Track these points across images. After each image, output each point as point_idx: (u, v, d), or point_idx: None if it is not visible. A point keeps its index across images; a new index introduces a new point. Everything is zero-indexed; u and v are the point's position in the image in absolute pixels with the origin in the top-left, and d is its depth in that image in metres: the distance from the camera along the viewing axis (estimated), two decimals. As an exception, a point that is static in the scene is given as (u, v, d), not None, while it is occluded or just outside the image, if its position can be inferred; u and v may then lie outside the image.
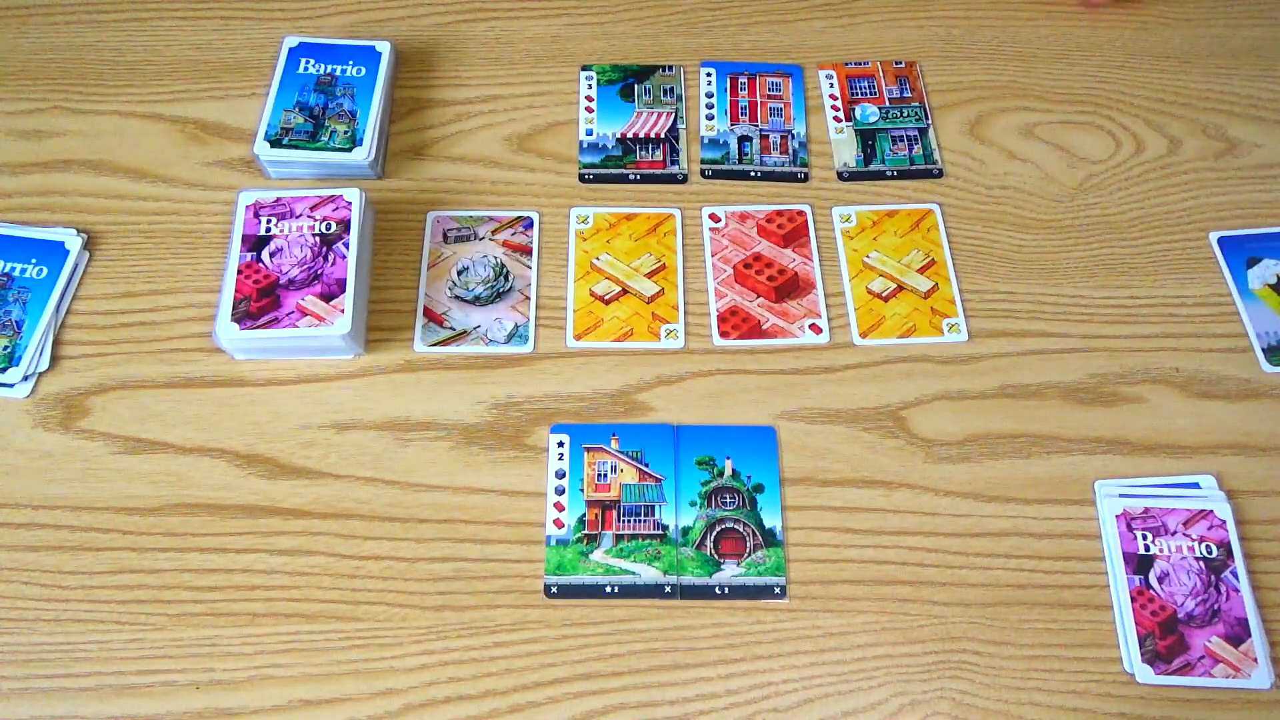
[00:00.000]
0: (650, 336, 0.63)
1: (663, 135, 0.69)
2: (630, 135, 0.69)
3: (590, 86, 0.73)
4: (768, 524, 0.57)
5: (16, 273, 0.64)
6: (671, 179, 0.69)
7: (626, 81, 0.72)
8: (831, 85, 0.74)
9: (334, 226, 0.63)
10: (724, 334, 0.64)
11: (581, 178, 0.69)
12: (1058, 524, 0.57)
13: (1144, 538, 0.56)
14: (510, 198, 0.69)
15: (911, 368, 0.62)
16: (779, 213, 0.68)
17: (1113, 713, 0.52)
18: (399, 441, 0.60)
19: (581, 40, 0.76)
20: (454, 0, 0.77)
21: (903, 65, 0.75)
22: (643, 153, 0.68)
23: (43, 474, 0.58)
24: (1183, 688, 0.53)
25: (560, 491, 0.58)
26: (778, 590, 0.55)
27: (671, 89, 0.71)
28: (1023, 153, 0.71)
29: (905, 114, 0.73)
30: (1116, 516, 0.57)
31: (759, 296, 0.65)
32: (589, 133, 0.71)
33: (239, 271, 0.61)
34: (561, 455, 0.59)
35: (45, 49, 0.74)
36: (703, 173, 0.70)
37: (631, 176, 0.69)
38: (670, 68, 0.73)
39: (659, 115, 0.69)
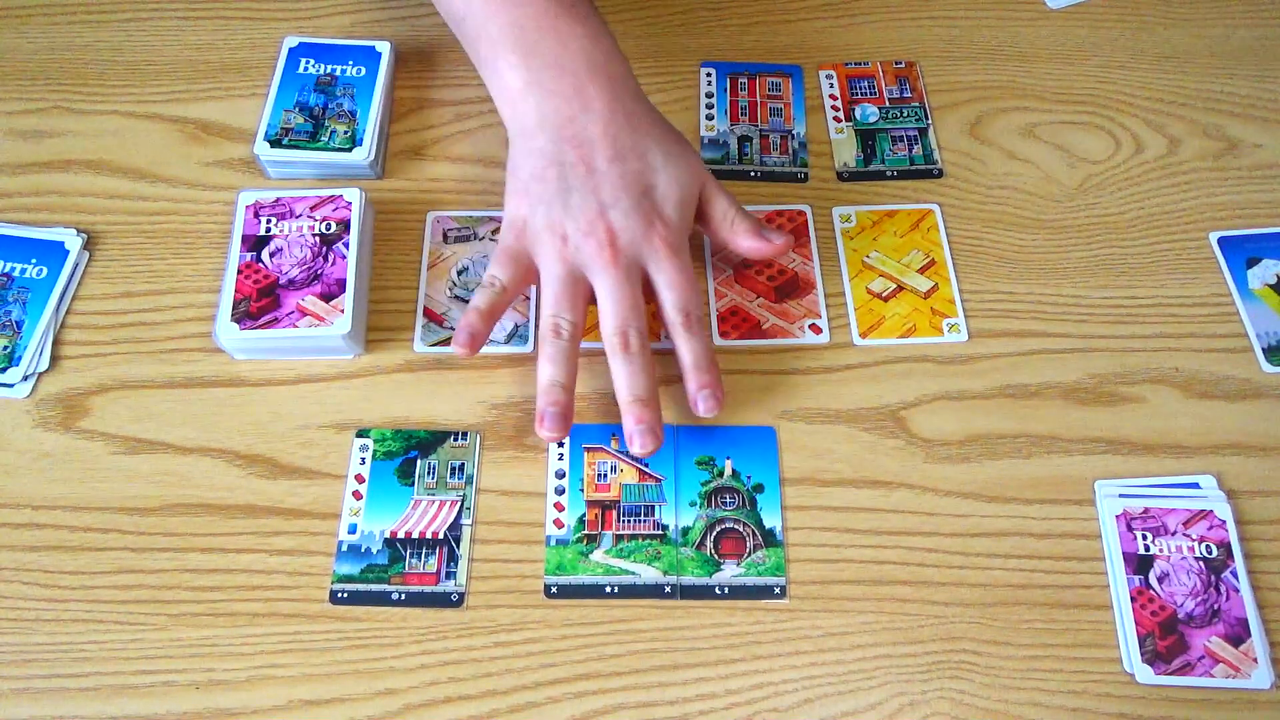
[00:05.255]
0: (650, 337, 0.63)
1: (441, 534, 0.56)
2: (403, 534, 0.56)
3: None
4: (768, 524, 0.57)
5: (16, 273, 0.64)
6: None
7: (408, 455, 0.59)
8: (831, 85, 0.74)
9: (334, 226, 0.63)
10: (724, 334, 0.63)
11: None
12: (1057, 524, 0.57)
13: (1144, 538, 0.56)
14: (510, 198, 0.69)
15: (911, 368, 0.62)
16: (779, 213, 0.68)
17: (1113, 713, 0.52)
18: (399, 441, 0.59)
19: (581, 40, 0.75)
20: (454, 0, 0.77)
21: (903, 65, 0.75)
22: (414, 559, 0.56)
23: (43, 474, 0.58)
24: (1182, 688, 0.53)
25: (560, 492, 0.58)
26: (777, 590, 0.55)
27: (462, 466, 0.57)
28: (1023, 153, 0.71)
29: (905, 114, 0.73)
30: (1116, 516, 0.57)
31: (759, 296, 0.65)
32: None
33: (239, 271, 0.61)
34: (561, 455, 0.59)
35: (45, 49, 0.74)
36: (703, 173, 0.70)
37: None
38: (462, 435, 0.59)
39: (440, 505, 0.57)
